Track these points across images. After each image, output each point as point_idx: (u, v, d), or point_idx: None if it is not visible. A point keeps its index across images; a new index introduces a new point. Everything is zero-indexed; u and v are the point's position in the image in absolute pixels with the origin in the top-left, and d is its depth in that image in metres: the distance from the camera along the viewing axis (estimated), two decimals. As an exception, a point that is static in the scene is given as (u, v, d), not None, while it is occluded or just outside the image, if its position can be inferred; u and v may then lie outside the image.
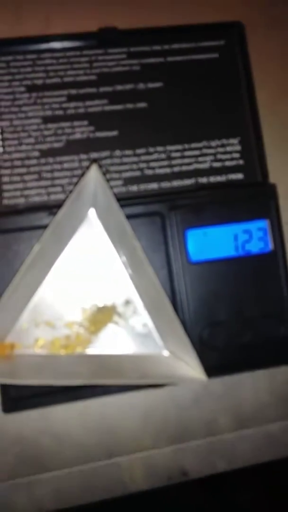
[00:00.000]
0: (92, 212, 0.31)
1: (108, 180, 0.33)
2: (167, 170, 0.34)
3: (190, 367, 0.30)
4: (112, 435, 0.34)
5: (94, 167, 0.30)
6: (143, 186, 0.34)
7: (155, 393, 0.34)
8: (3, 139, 0.33)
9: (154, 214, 0.32)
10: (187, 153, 0.34)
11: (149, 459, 0.34)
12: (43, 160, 0.33)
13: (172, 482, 0.35)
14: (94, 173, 0.29)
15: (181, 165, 0.34)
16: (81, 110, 0.34)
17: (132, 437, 0.34)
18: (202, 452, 0.35)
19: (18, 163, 0.33)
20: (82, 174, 0.33)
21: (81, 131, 0.34)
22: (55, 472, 0.33)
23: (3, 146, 0.33)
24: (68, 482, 0.33)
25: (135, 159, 0.34)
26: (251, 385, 0.35)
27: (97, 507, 0.35)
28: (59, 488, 0.33)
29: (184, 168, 0.34)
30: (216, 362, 0.32)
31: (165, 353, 0.31)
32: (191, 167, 0.34)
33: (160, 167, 0.34)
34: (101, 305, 0.31)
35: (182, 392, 0.35)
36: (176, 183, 0.34)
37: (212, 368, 0.31)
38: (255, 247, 0.33)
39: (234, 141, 0.35)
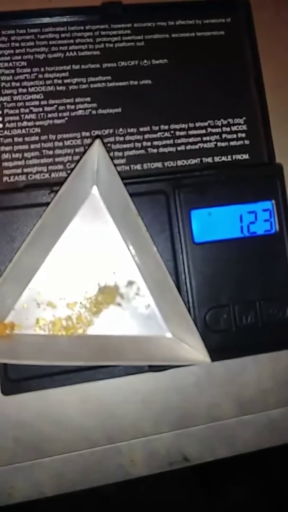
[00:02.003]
0: (94, 190, 0.30)
1: (111, 158, 0.32)
2: (172, 149, 0.33)
3: (193, 349, 0.30)
4: (112, 419, 0.33)
5: (97, 142, 0.29)
6: (147, 165, 0.33)
7: (156, 377, 0.34)
8: (3, 115, 0.32)
9: (158, 193, 0.31)
10: (192, 132, 0.34)
11: (149, 444, 0.34)
12: (44, 137, 0.32)
13: (173, 468, 0.35)
14: (97, 148, 0.29)
15: (185, 144, 0.33)
16: (84, 86, 0.33)
17: (133, 422, 0.33)
18: (204, 437, 0.34)
19: (18, 139, 0.32)
20: (84, 152, 0.32)
21: (83, 107, 0.33)
22: (55, 457, 0.33)
23: (4, 122, 0.32)
24: (68, 467, 0.33)
25: (138, 137, 0.33)
26: (254, 370, 0.35)
27: (97, 492, 0.34)
28: (59, 473, 0.33)
29: (189, 147, 0.33)
30: (219, 345, 0.31)
31: (168, 334, 0.31)
32: (196, 147, 0.34)
33: (164, 145, 0.33)
34: (103, 285, 0.30)
35: (184, 377, 0.34)
36: (180, 162, 0.33)
37: (215, 351, 0.30)
38: (260, 228, 0.32)
39: (240, 120, 0.34)
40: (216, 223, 0.32)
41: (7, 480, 0.32)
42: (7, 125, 0.32)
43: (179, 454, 0.34)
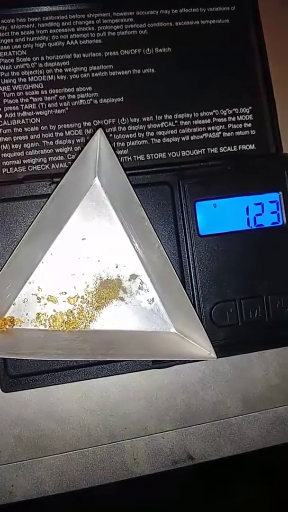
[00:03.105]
0: (96, 181, 0.30)
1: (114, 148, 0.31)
2: (176, 139, 0.32)
3: (198, 345, 0.29)
4: (115, 417, 0.32)
5: (99, 132, 0.28)
6: (150, 156, 0.32)
7: (160, 374, 0.33)
8: (2, 105, 0.31)
9: (162, 184, 0.30)
10: (196, 122, 0.33)
11: (153, 442, 0.33)
12: (44, 127, 0.31)
13: (177, 466, 0.34)
14: (99, 138, 0.28)
15: (190, 134, 0.33)
16: (85, 75, 0.32)
17: (136, 419, 0.33)
18: (209, 435, 0.34)
19: (18, 130, 0.31)
20: (86, 142, 0.31)
21: (84, 97, 0.32)
22: (56, 455, 0.32)
23: (3, 113, 0.31)
24: (70, 465, 0.32)
25: (141, 127, 0.32)
26: (260, 367, 0.34)
27: (99, 491, 0.33)
28: (61, 472, 0.32)
29: (194, 137, 0.33)
30: (225, 341, 0.31)
31: (173, 330, 0.30)
32: (201, 137, 0.33)
33: (168, 136, 0.32)
34: (105, 279, 0.30)
35: (188, 374, 0.33)
36: (185, 153, 0.32)
37: (221, 347, 0.29)
38: (267, 220, 0.32)
39: (246, 110, 0.33)
40: (222, 215, 0.31)
41: (8, 479, 0.31)
42: (6, 115, 0.31)
43: (184, 452, 0.33)
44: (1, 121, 0.31)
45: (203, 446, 0.34)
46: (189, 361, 0.30)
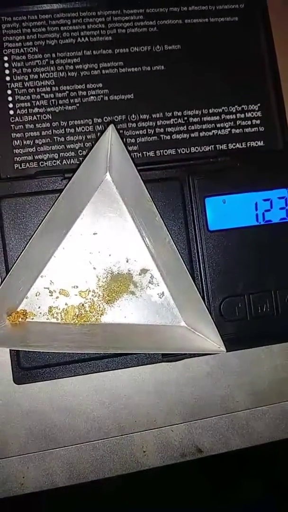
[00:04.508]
0: (108, 177, 0.30)
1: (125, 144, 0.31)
2: (185, 136, 0.33)
3: (208, 339, 0.29)
4: (125, 410, 0.33)
5: (110, 128, 0.28)
6: (160, 152, 0.32)
7: (169, 367, 0.33)
8: (14, 102, 0.31)
9: (172, 180, 0.31)
10: (205, 118, 0.33)
11: (162, 435, 0.33)
12: (55, 124, 0.32)
13: (186, 459, 0.34)
14: (110, 134, 0.28)
15: (199, 130, 0.33)
16: (96, 72, 0.32)
17: (146, 412, 0.33)
18: (217, 429, 0.34)
19: (30, 126, 0.32)
20: (96, 138, 0.31)
21: (95, 93, 0.32)
22: (67, 447, 0.32)
23: (15, 109, 0.31)
24: (80, 457, 0.32)
25: (151, 123, 0.32)
26: (268, 361, 0.34)
27: (109, 483, 0.34)
28: (71, 464, 0.32)
29: (203, 134, 0.33)
30: (234, 335, 0.31)
31: (183, 323, 0.30)
32: (210, 133, 0.33)
33: (178, 132, 0.33)
34: (116, 273, 0.30)
35: (197, 367, 0.34)
36: (194, 149, 0.33)
37: (230, 341, 0.30)
38: (275, 216, 0.32)
39: (254, 107, 0.34)
40: (231, 210, 0.31)
41: (19, 470, 0.32)
42: (18, 111, 0.31)
43: (192, 445, 0.34)
44: (13, 117, 0.31)
45: (212, 439, 0.34)
46: (198, 355, 0.30)
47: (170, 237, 0.29)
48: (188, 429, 0.34)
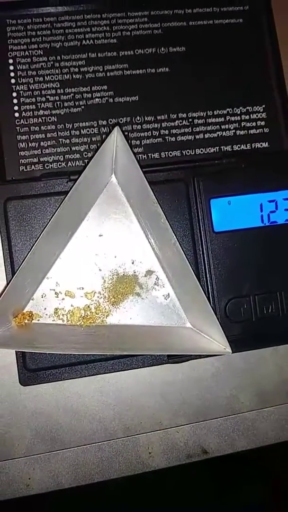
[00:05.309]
0: (113, 178, 0.30)
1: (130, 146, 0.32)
2: (190, 137, 0.33)
3: (214, 340, 0.29)
4: (130, 411, 0.33)
5: (116, 130, 0.28)
6: (165, 154, 0.32)
7: (174, 369, 0.33)
8: (19, 104, 0.32)
9: (177, 182, 0.31)
10: (210, 120, 0.33)
11: (168, 436, 0.33)
12: (60, 126, 0.32)
13: (191, 460, 0.34)
14: (116, 136, 0.28)
15: (204, 132, 0.33)
16: (101, 74, 0.32)
17: (151, 414, 0.33)
18: (223, 430, 0.34)
19: (35, 128, 0.32)
20: (101, 141, 0.31)
21: (100, 96, 0.32)
22: (72, 448, 0.32)
23: (20, 111, 0.32)
24: (86, 458, 0.33)
25: (156, 125, 0.33)
26: (273, 362, 0.34)
27: (115, 484, 0.34)
28: (77, 465, 0.32)
29: (208, 135, 0.33)
30: (240, 336, 0.31)
31: (188, 325, 0.30)
32: (215, 135, 0.33)
33: (183, 134, 0.33)
34: (122, 275, 0.30)
35: (202, 368, 0.34)
36: (199, 150, 0.33)
37: (235, 342, 0.30)
38: (281, 217, 0.32)
39: (259, 108, 0.34)
40: (236, 212, 0.31)
41: (25, 472, 0.32)
42: (23, 114, 0.32)
43: (198, 446, 0.34)
44: (19, 120, 0.31)
45: (217, 440, 0.34)
46: (204, 356, 0.30)
47: (176, 239, 0.29)
48: (193, 430, 0.34)
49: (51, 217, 0.28)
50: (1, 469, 0.32)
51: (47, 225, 0.28)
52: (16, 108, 0.31)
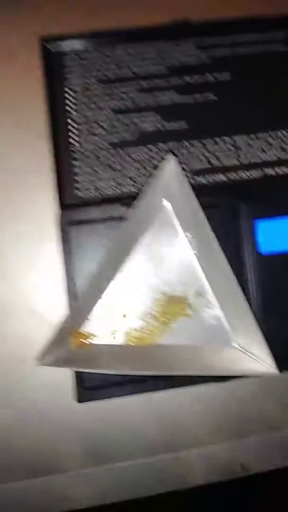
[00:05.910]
0: (166, 203, 0.31)
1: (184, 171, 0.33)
2: (235, 162, 0.34)
3: (261, 361, 0.30)
4: (173, 428, 0.34)
5: (170, 157, 0.30)
6: (211, 178, 0.33)
7: (216, 387, 0.34)
8: (76, 132, 0.33)
9: (224, 205, 0.32)
10: (253, 143, 0.34)
11: (209, 453, 0.34)
12: (113, 152, 0.33)
13: (232, 477, 0.35)
14: (171, 164, 0.29)
15: (247, 156, 0.34)
16: (151, 102, 0.34)
17: (193, 431, 0.34)
18: (262, 447, 0.35)
19: (90, 154, 0.33)
20: (152, 166, 0.33)
21: (151, 122, 0.33)
22: (117, 463, 0.33)
23: (74, 138, 0.33)
24: (130, 474, 0.33)
25: (203, 150, 0.34)
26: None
27: (156, 500, 0.34)
28: (121, 480, 0.33)
29: (252, 159, 0.34)
30: (285, 355, 0.32)
31: (236, 345, 0.31)
32: (258, 159, 0.34)
33: (227, 157, 0.34)
34: (172, 296, 0.31)
35: (243, 386, 0.34)
36: (243, 174, 0.34)
37: (282, 362, 0.30)
38: None
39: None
40: (282, 234, 0.32)
41: (71, 486, 0.33)
42: (79, 140, 0.33)
43: (238, 463, 0.34)
44: (73, 145, 0.33)
45: (257, 457, 0.35)
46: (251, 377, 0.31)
47: (226, 261, 0.30)
48: (233, 447, 0.34)
49: (109, 243, 0.29)
50: (47, 483, 0.32)
51: (105, 250, 0.29)
52: (71, 134, 0.33)
